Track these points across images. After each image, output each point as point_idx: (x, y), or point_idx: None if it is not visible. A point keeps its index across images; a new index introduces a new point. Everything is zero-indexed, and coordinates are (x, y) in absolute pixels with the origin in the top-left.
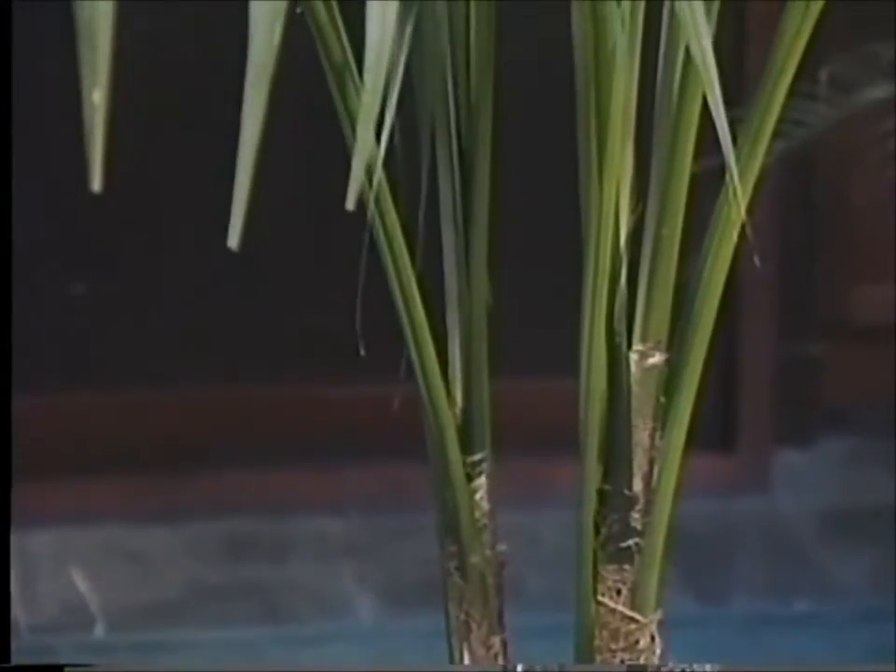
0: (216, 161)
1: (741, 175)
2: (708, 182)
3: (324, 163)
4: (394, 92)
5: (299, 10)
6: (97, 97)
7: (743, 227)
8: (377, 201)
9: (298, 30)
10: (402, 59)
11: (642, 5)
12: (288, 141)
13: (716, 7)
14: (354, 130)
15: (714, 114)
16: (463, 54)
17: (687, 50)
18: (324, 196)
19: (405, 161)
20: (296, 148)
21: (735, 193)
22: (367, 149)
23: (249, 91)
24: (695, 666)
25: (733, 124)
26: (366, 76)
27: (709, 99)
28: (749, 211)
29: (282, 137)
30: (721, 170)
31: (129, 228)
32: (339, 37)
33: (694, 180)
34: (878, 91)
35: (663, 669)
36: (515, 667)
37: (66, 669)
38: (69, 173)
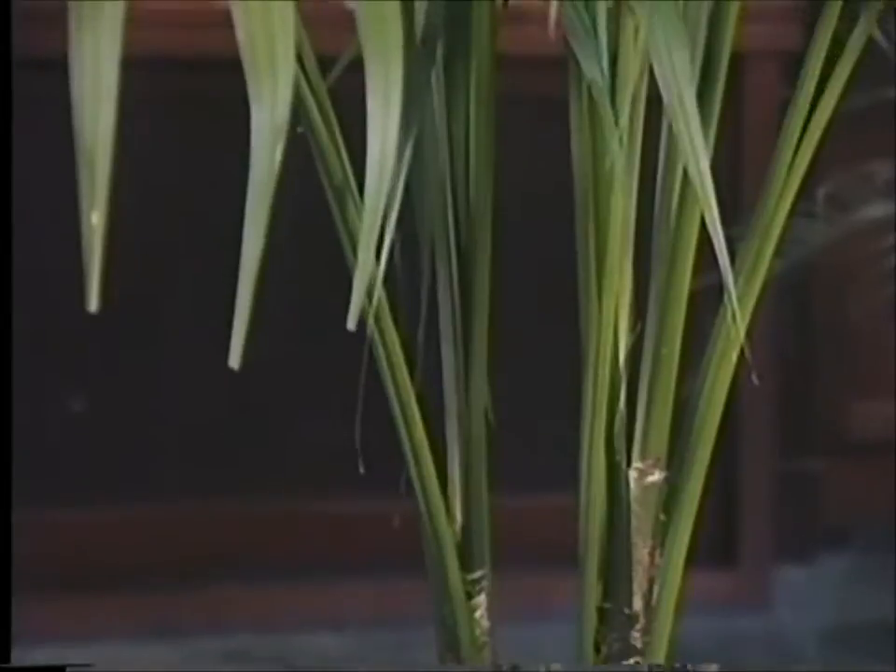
0: (217, 279)
1: (741, 298)
2: (709, 296)
3: (323, 279)
4: (394, 211)
5: (300, 129)
6: (96, 219)
7: (742, 347)
8: (377, 318)
9: (297, 149)
10: (402, 177)
11: (640, 124)
12: (288, 258)
13: (713, 127)
14: (354, 248)
15: (712, 235)
16: (462, 171)
17: (685, 171)
18: (324, 312)
19: (405, 278)
20: (295, 265)
21: (734, 316)
22: (368, 270)
23: (250, 209)
24: (698, 667)
25: (731, 242)
26: (367, 198)
27: (707, 220)
28: (749, 332)
29: (282, 255)
30: (720, 286)
31: (129, 344)
32: (339, 156)
33: (694, 295)
34: (875, 210)
35: (666, 670)
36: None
37: (67, 669)
38: (68, 289)
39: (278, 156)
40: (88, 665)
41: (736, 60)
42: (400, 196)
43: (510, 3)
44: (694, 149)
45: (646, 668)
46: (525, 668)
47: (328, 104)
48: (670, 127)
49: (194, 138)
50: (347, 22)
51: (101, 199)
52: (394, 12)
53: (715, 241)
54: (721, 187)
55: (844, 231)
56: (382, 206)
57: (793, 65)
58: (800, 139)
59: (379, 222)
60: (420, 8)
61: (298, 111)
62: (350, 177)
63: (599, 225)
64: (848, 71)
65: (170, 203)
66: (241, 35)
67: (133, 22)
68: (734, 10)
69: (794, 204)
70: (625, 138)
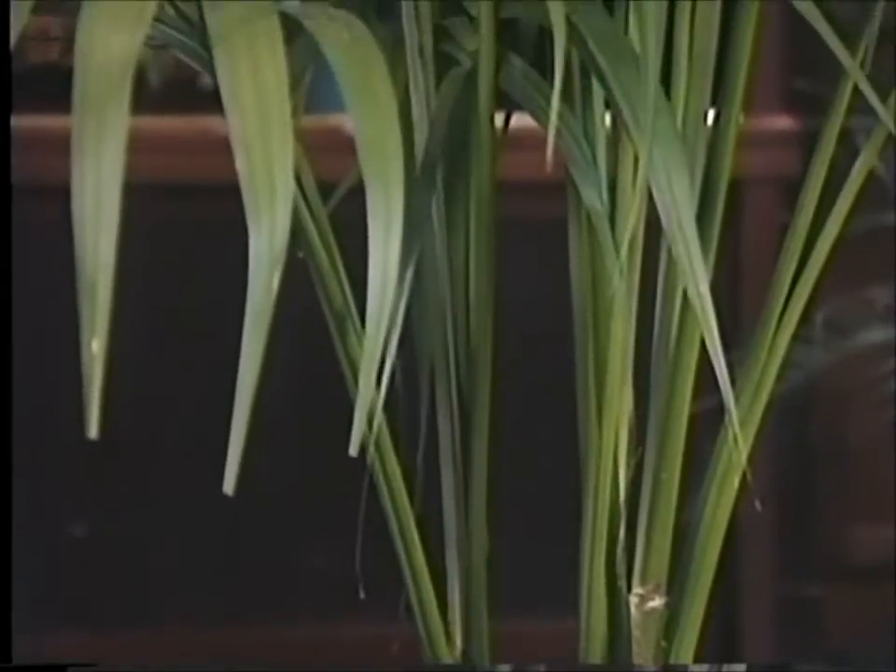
0: (213, 406)
1: (742, 423)
2: (708, 420)
3: (323, 404)
4: (394, 338)
5: (300, 254)
6: (96, 347)
7: (744, 472)
8: (377, 444)
9: (296, 274)
10: (403, 304)
11: (640, 248)
12: (286, 383)
13: (713, 251)
14: (354, 374)
15: (713, 358)
16: (462, 295)
17: (685, 294)
18: (323, 438)
19: (405, 403)
20: (294, 390)
21: (735, 440)
22: (369, 397)
23: (247, 336)
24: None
25: (730, 367)
26: (368, 326)
27: (708, 344)
28: (750, 457)
29: (280, 380)
30: (719, 409)
31: (128, 471)
32: (339, 282)
33: (693, 419)
34: (874, 335)
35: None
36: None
37: (68, 669)
38: (68, 415)
39: (276, 284)
40: (90, 665)
41: (735, 185)
42: (401, 321)
43: (509, 129)
44: (694, 273)
45: (656, 669)
46: (524, 668)
47: (328, 229)
48: (669, 250)
49: (191, 264)
50: (347, 148)
51: (102, 327)
52: (395, 138)
53: (716, 364)
54: (720, 311)
55: (842, 356)
56: (383, 334)
57: (792, 190)
58: (799, 266)
59: (380, 350)
60: (420, 134)
61: (298, 236)
62: (350, 303)
63: (599, 349)
64: (850, 202)
65: (167, 328)
66: (240, 163)
67: (133, 148)
68: (732, 136)
69: (796, 330)
70: (625, 264)
